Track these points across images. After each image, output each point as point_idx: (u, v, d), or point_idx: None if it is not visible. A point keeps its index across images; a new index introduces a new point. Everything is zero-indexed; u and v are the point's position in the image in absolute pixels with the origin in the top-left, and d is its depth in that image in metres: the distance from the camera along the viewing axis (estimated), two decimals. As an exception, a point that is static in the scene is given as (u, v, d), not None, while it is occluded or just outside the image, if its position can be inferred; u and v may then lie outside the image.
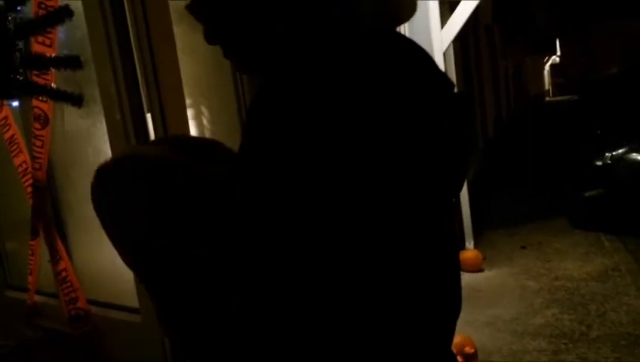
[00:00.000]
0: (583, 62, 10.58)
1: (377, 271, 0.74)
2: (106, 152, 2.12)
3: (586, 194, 5.75)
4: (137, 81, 2.01)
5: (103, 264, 2.31)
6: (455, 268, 0.90)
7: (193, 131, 2.19)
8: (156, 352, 2.02)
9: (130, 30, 1.97)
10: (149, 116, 2.04)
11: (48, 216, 2.37)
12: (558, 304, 4.34)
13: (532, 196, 6.56)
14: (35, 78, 2.16)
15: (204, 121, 2.23)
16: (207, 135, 2.30)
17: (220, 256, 0.80)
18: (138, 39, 1.96)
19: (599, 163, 5.72)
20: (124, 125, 1.99)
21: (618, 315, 4.06)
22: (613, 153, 5.68)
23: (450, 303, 0.89)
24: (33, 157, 2.29)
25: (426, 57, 0.84)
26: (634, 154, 5.61)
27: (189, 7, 0.86)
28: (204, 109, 2.26)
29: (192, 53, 2.21)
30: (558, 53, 11.50)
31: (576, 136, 7.03)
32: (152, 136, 1.98)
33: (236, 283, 0.75)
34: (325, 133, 0.70)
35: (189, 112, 2.14)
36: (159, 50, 1.97)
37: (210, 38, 0.87)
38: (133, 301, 2.11)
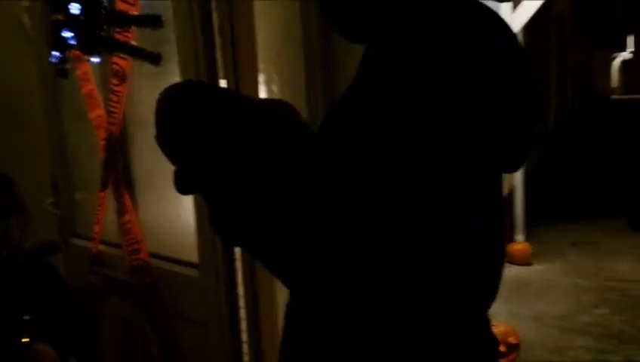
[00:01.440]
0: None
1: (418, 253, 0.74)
2: (179, 111, 2.18)
3: (647, 197, 5.59)
4: (214, 44, 2.05)
5: (167, 219, 2.39)
6: (496, 256, 0.88)
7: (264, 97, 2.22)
8: (214, 307, 2.09)
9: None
10: (222, 82, 2.08)
11: (118, 169, 2.47)
12: (608, 304, 4.26)
13: (592, 194, 6.39)
14: (117, 36, 2.23)
15: (274, 88, 2.26)
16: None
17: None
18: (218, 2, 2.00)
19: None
20: (199, 87, 2.04)
21: (671, 321, 3.95)
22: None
23: (485, 287, 0.86)
24: (109, 112, 2.38)
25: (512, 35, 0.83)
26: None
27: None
28: (274, 76, 2.29)
29: (264, 17, 2.23)
30: (631, 49, 11.06)
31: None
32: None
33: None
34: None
35: (260, 78, 2.17)
36: (238, 15, 2.01)
37: (325, 8, 0.89)
38: (193, 256, 2.19)
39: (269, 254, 0.84)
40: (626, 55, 10.98)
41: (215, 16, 2.05)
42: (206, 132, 0.89)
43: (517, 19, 4.34)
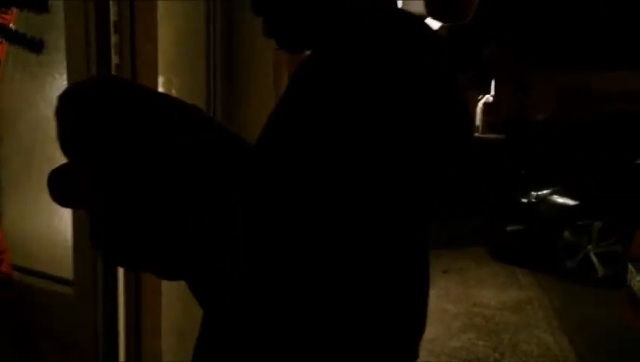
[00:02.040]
0: (515, 105, 11.08)
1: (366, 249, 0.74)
2: (61, 107, 1.95)
3: (508, 229, 5.98)
4: (110, 34, 1.87)
5: (37, 228, 2.12)
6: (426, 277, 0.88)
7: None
8: (87, 329, 1.87)
9: None
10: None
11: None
12: (474, 329, 4.47)
13: (458, 223, 6.75)
14: (-7, 16, 1.96)
15: (173, 91, 2.10)
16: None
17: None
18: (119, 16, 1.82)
19: (524, 200, 5.97)
20: (89, 81, 1.84)
21: (529, 346, 4.22)
22: (539, 193, 5.94)
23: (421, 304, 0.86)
24: (-26, 102, 2.08)
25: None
26: (556, 196, 5.89)
27: (254, 6, 0.85)
28: (173, 79, 2.13)
29: (166, 19, 2.08)
30: (492, 92, 12.00)
31: (501, 173, 7.31)
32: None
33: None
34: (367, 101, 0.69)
35: (159, 80, 2.01)
36: (139, 11, 1.84)
37: (269, 32, 0.86)
38: (66, 271, 1.95)
39: (197, 260, 0.73)
40: (488, 97, 11.88)
41: (112, 8, 1.87)
42: (133, 124, 0.75)
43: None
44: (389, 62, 0.71)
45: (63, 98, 0.80)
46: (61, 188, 0.71)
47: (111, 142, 0.74)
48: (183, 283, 0.76)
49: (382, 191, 0.71)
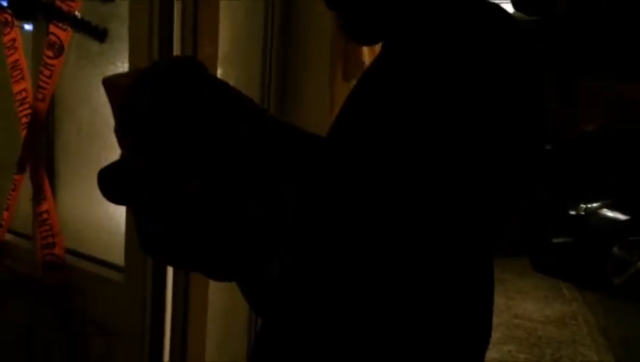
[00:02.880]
0: (563, 114, 10.80)
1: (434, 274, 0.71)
2: (121, 96, 1.98)
3: (554, 241, 5.83)
4: (173, 25, 1.88)
5: (91, 213, 2.15)
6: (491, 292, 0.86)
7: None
8: (134, 317, 1.89)
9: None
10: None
11: (40, 151, 2.20)
12: (515, 341, 4.37)
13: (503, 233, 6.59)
14: (59, 3, 2.00)
15: (233, 81, 2.11)
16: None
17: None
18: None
19: (572, 212, 5.80)
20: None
21: (572, 363, 4.10)
22: (588, 206, 5.77)
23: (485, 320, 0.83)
24: (38, 87, 2.12)
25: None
26: (607, 210, 5.72)
27: (328, 2, 0.83)
28: (230, 72, 2.13)
29: (225, 15, 2.08)
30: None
31: (548, 183, 7.14)
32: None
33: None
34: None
35: (218, 72, 2.02)
36: (202, 5, 1.85)
37: (343, 25, 0.84)
38: (119, 258, 1.97)
39: (252, 249, 0.71)
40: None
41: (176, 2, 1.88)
42: (195, 107, 0.74)
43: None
44: (461, 64, 0.68)
45: (136, 82, 0.79)
46: (113, 185, 0.71)
47: (172, 123, 0.73)
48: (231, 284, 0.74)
49: (451, 197, 0.68)
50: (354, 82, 2.62)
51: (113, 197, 0.72)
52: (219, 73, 2.03)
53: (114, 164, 0.73)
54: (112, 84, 0.81)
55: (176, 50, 1.88)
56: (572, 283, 5.74)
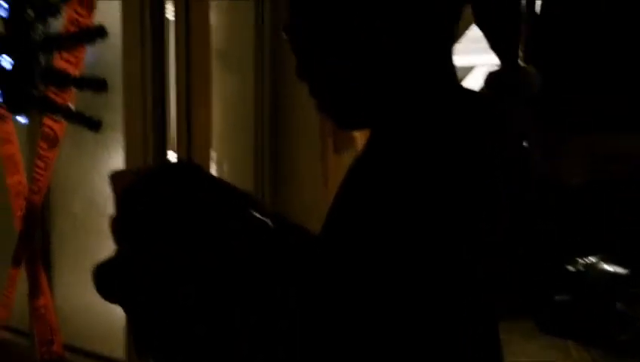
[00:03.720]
0: (547, 169, 10.93)
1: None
2: (117, 184, 1.98)
3: (556, 298, 5.75)
4: (167, 115, 1.91)
5: (89, 306, 2.10)
6: None
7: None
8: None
9: (169, 60, 1.89)
10: (171, 153, 1.93)
11: (36, 245, 2.17)
12: (527, 407, 4.23)
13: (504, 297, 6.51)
14: (53, 96, 2.02)
15: (225, 167, 2.12)
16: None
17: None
18: (177, 72, 1.87)
19: (571, 268, 5.76)
20: (145, 159, 1.87)
21: None
22: (586, 260, 5.73)
23: None
24: (33, 179, 2.12)
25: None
26: (604, 263, 5.68)
27: (285, 29, 0.80)
28: (223, 157, 2.15)
29: (217, 94, 2.13)
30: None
31: (542, 239, 7.12)
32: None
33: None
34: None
35: (212, 155, 2.03)
36: (195, 89, 1.89)
37: (301, 72, 0.80)
38: (119, 352, 1.91)
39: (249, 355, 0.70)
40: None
41: (172, 86, 1.92)
42: (190, 215, 0.75)
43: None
44: (452, 163, 0.68)
45: (125, 191, 0.80)
46: (107, 284, 0.71)
47: (166, 230, 0.73)
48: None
49: (449, 298, 0.67)
50: (345, 154, 2.64)
51: (107, 296, 0.72)
52: (214, 156, 2.05)
53: (109, 261, 0.73)
54: (116, 180, 0.82)
55: (171, 133, 1.90)
56: (579, 342, 5.62)
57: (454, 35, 0.79)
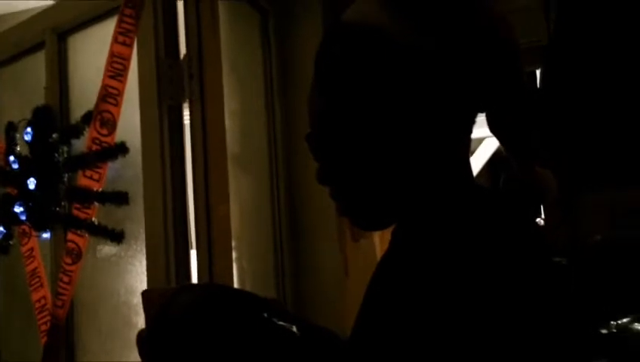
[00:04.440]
0: (566, 228, 10.82)
1: None
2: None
3: (591, 365, 5.58)
4: (187, 224, 1.96)
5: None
6: None
7: (235, 275, 2.10)
8: None
9: (188, 169, 1.96)
10: (194, 260, 1.96)
11: (60, 358, 2.18)
12: None
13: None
14: (76, 212, 2.08)
15: (245, 265, 2.15)
16: (247, 278, 2.21)
17: None
18: (194, 179, 1.93)
19: (604, 331, 5.61)
20: (167, 267, 1.90)
21: None
22: (619, 322, 5.58)
23: None
24: (57, 294, 2.15)
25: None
26: (638, 324, 5.53)
27: (308, 137, 0.82)
28: (244, 250, 2.18)
29: (234, 195, 2.18)
30: (542, 216, 11.86)
31: (569, 301, 6.95)
32: (195, 279, 1.90)
33: None
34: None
35: (233, 255, 2.06)
36: (213, 191, 1.94)
37: (323, 178, 0.82)
38: None
39: None
40: (539, 221, 11.71)
41: (190, 195, 1.98)
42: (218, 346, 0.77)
43: (479, 157, 4.36)
44: (480, 272, 0.68)
45: (157, 318, 0.82)
46: None
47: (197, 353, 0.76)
48: None
49: None
50: (363, 242, 2.65)
51: None
52: (233, 256, 2.08)
53: None
54: (148, 299, 0.85)
55: (191, 236, 1.94)
56: (618, 410, 5.39)
57: (469, 134, 0.81)
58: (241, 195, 2.27)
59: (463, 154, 0.82)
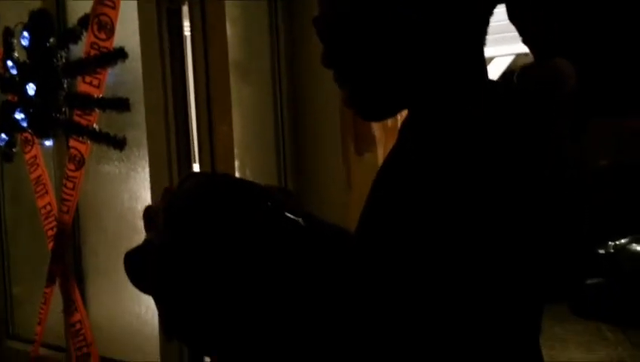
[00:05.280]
0: (576, 153, 10.80)
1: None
2: (144, 199, 2.02)
3: (588, 282, 5.69)
4: (189, 129, 1.94)
5: (123, 319, 2.15)
6: None
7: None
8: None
9: (189, 76, 1.93)
10: (196, 166, 1.96)
11: (68, 262, 2.23)
12: (565, 395, 4.20)
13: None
14: (77, 118, 2.07)
15: (247, 172, 2.15)
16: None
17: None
18: (196, 87, 1.90)
19: (602, 251, 5.69)
20: (170, 174, 1.90)
21: (626, 410, 3.93)
22: (617, 242, 5.66)
23: None
24: (62, 200, 2.17)
25: None
26: (635, 244, 5.60)
27: (315, 20, 0.79)
28: (247, 162, 2.18)
29: (236, 106, 2.15)
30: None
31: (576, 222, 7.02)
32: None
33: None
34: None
35: (235, 164, 2.06)
36: (216, 101, 1.91)
37: (328, 60, 0.78)
38: (154, 360, 1.96)
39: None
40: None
41: (192, 101, 1.95)
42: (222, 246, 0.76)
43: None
44: (482, 158, 0.67)
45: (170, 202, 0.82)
46: (135, 266, 0.74)
47: (206, 229, 0.75)
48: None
49: (491, 291, 0.68)
50: (367, 155, 2.63)
51: (138, 281, 0.75)
52: (236, 164, 2.08)
53: (141, 248, 0.75)
54: (149, 214, 0.84)
55: (193, 145, 1.93)
56: (614, 325, 5.56)
57: (486, 26, 0.77)
58: (244, 103, 2.24)
59: (477, 49, 0.78)
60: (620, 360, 4.71)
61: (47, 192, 2.30)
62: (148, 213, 0.83)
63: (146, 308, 2.03)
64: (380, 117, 0.82)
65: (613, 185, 6.75)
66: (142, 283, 0.78)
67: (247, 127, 2.27)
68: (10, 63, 2.15)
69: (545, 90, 0.85)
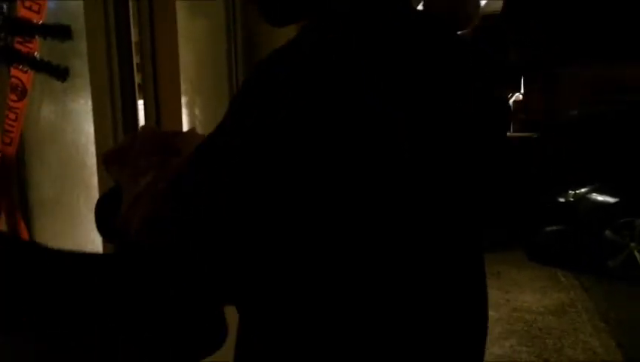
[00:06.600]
0: (545, 102, 10.87)
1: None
2: (88, 132, 1.97)
3: (547, 229, 5.83)
4: (132, 61, 1.88)
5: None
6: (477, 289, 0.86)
7: (185, 121, 2.06)
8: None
9: (131, 4, 1.85)
10: (140, 102, 1.91)
11: (13, 196, 2.18)
12: (516, 335, 4.36)
13: (492, 225, 6.60)
14: (18, 46, 1.98)
15: (196, 111, 2.10)
16: (198, 125, 2.18)
17: None
18: (139, 15, 1.83)
19: (562, 199, 5.81)
20: (113, 107, 1.85)
21: (575, 352, 4.10)
22: (577, 191, 5.77)
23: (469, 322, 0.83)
24: (5, 131, 2.10)
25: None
26: (596, 194, 5.73)
27: None
28: (196, 98, 2.13)
29: (187, 41, 2.08)
30: (522, 90, 11.80)
31: (535, 172, 7.14)
32: (142, 122, 1.86)
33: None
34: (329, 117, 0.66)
35: (182, 100, 2.01)
36: (160, 32, 1.85)
37: (259, 6, 0.81)
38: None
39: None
40: (518, 95, 11.68)
41: (133, 30, 1.88)
42: None
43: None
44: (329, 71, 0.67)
45: None
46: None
47: None
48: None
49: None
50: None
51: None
52: (184, 100, 2.03)
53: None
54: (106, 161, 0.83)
55: (138, 78, 1.88)
56: (568, 270, 5.75)
57: None
58: (196, 38, 2.17)
59: None
60: (572, 303, 4.88)
61: (-12, 124, 2.22)
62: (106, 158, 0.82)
63: (91, 245, 2.01)
64: (282, 22, 0.83)
65: (583, 134, 6.85)
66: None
67: (200, 63, 2.21)
68: (-57, -16, 2.03)
69: (445, 20, 0.86)
